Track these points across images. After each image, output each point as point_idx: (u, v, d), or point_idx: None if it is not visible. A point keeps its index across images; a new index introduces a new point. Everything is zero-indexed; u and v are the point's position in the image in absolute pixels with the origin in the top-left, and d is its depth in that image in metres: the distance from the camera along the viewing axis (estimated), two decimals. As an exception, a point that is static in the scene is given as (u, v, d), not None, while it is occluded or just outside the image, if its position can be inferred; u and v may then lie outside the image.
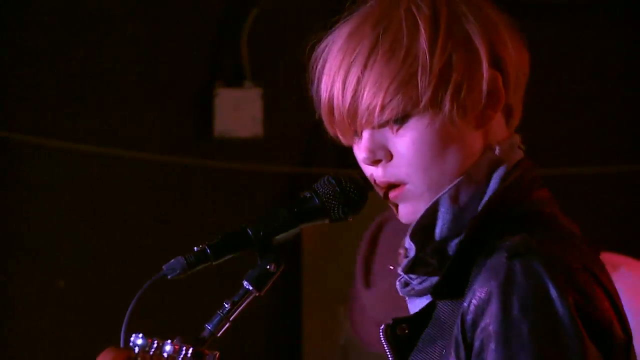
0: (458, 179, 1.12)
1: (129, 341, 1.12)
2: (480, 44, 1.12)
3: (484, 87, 1.12)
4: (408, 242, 1.15)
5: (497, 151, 1.14)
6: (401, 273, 1.19)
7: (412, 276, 1.17)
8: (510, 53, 1.16)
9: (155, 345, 1.11)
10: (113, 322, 1.18)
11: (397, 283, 1.20)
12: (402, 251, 1.18)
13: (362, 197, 1.20)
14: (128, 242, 3.34)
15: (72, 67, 3.35)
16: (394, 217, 1.22)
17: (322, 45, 1.18)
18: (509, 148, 1.16)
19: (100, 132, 3.37)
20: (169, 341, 1.10)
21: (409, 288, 1.18)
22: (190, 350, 1.10)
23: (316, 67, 1.19)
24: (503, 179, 1.13)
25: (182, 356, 1.09)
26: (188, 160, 3.44)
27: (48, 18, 3.34)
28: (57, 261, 3.28)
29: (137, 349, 1.12)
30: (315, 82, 1.19)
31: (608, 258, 1.71)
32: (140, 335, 1.12)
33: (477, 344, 1.03)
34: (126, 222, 3.39)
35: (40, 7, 3.33)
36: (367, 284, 2.39)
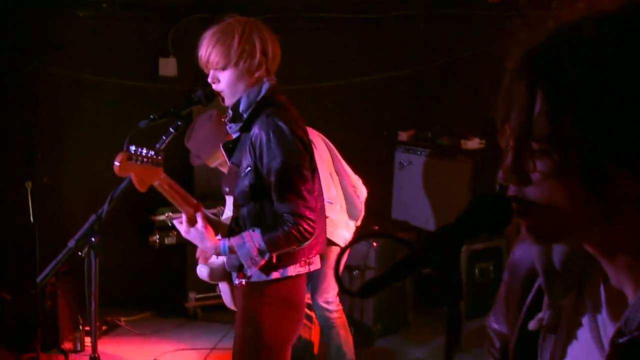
0: (249, 90, 3.14)
1: (128, 148, 2.96)
2: (258, 43, 3.13)
3: (257, 61, 3.13)
4: (229, 111, 3.21)
5: (265, 81, 3.17)
6: (227, 122, 3.27)
7: (232, 125, 3.25)
8: (270, 48, 3.17)
9: (140, 150, 2.96)
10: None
11: (227, 124, 3.28)
12: (227, 116, 3.25)
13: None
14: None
15: None
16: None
17: (203, 35, 3.17)
18: (267, 80, 3.18)
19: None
20: (145, 149, 2.97)
21: (232, 128, 3.26)
22: (151, 152, 2.98)
23: (199, 44, 3.17)
24: (266, 90, 3.16)
25: (149, 153, 2.96)
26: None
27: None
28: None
29: (132, 150, 2.95)
30: (198, 50, 3.17)
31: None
32: (133, 146, 2.96)
33: (257, 150, 3.06)
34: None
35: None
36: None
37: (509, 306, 1.45)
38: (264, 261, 3.02)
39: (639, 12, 1.06)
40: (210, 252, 3.11)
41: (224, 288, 3.35)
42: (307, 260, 3.23)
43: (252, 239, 3.00)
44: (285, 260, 3.14)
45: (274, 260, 3.08)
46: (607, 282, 1.21)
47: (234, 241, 3.04)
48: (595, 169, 1.07)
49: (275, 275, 3.15)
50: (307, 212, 3.02)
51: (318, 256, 3.32)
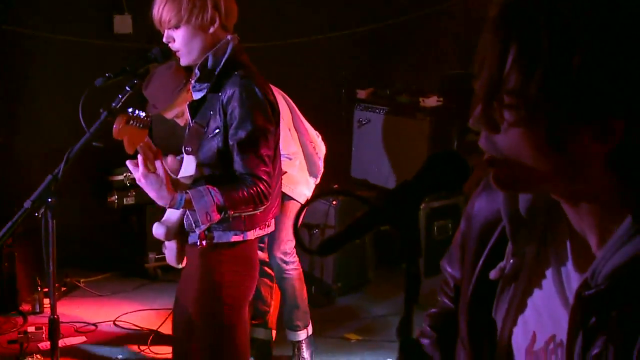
0: (214, 49, 3.15)
1: (126, 110, 2.97)
2: (210, 1, 3.09)
3: (209, 16, 3.09)
4: (196, 70, 3.16)
5: (229, 39, 3.17)
6: (194, 82, 3.23)
7: (197, 84, 3.21)
8: (222, 2, 3.13)
9: (136, 112, 2.96)
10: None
11: (192, 84, 3.27)
12: (193, 76, 3.21)
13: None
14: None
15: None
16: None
17: None
18: (231, 39, 3.18)
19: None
20: (138, 110, 2.98)
21: (197, 87, 3.22)
22: (142, 113, 2.97)
23: (153, 3, 3.11)
24: (231, 49, 3.15)
25: (142, 115, 2.96)
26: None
27: None
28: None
29: (130, 113, 2.94)
30: (152, 10, 3.11)
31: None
32: (130, 108, 2.97)
33: (229, 111, 3.07)
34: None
35: None
36: None
37: (464, 255, 1.47)
38: (218, 217, 3.02)
39: None
40: (164, 202, 3.07)
41: (170, 246, 3.35)
42: (267, 223, 3.29)
43: (211, 194, 2.99)
44: (249, 225, 3.18)
45: (243, 220, 3.14)
46: (573, 233, 1.23)
47: (192, 193, 3.01)
48: (558, 127, 1.09)
49: (236, 238, 3.18)
50: (265, 176, 3.06)
51: (274, 219, 3.36)
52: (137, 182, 3.04)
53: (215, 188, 3.01)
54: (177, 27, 3.09)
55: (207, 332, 3.29)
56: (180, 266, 3.39)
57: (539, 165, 1.13)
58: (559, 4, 1.05)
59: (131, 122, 2.92)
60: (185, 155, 3.26)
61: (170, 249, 3.35)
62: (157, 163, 2.99)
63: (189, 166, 3.23)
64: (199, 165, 3.18)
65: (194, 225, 3.07)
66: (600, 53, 1.03)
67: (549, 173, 1.13)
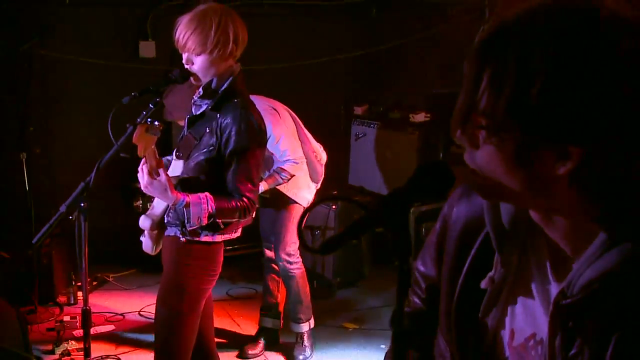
0: (218, 74, 3.15)
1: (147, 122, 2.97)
2: (232, 33, 3.11)
3: (229, 50, 3.12)
4: (200, 89, 3.22)
5: (234, 68, 3.20)
6: (196, 98, 3.26)
7: (198, 100, 3.24)
8: (240, 37, 3.16)
9: (154, 122, 2.96)
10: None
11: (194, 99, 3.28)
12: (197, 93, 3.26)
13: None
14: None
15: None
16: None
17: (180, 18, 3.12)
18: (235, 68, 3.22)
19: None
20: (153, 120, 2.97)
21: (198, 102, 3.26)
22: (157, 122, 2.97)
23: (175, 27, 3.11)
24: (235, 76, 3.19)
25: (156, 124, 2.97)
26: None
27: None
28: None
29: (149, 122, 2.96)
30: (174, 33, 3.11)
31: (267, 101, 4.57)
32: (150, 119, 2.97)
33: (225, 134, 3.11)
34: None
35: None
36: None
37: (441, 255, 1.46)
38: (206, 223, 3.09)
39: (569, 16, 1.05)
40: (169, 202, 3.11)
41: (150, 235, 3.40)
42: (236, 231, 3.33)
43: (207, 202, 3.07)
44: (223, 230, 3.23)
45: (221, 227, 3.19)
46: (550, 242, 1.22)
47: (192, 198, 3.07)
48: (524, 148, 1.08)
49: (206, 238, 3.22)
50: (252, 195, 3.16)
51: (241, 227, 3.39)
52: (143, 189, 3.09)
53: (212, 198, 3.09)
54: (198, 54, 3.11)
55: (165, 314, 3.30)
56: (154, 253, 3.46)
57: (510, 181, 1.12)
58: (526, 41, 1.04)
59: (148, 130, 2.95)
60: (174, 159, 3.30)
61: (149, 238, 3.39)
62: (160, 170, 3.03)
63: (176, 168, 3.29)
64: (185, 170, 3.24)
65: (185, 221, 3.10)
66: (555, 86, 1.02)
67: (520, 188, 1.12)
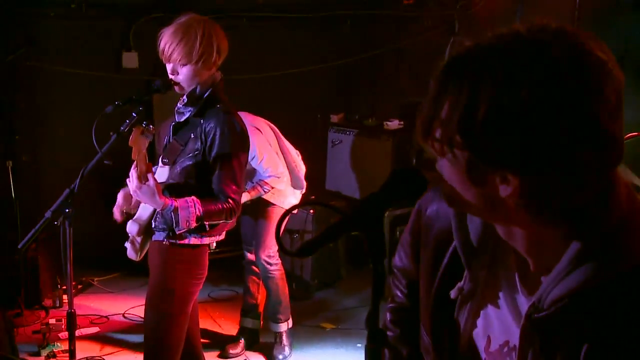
0: (201, 82, 3.12)
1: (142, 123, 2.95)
2: (215, 43, 3.10)
3: (213, 59, 3.12)
4: (184, 97, 3.18)
5: (216, 76, 3.20)
6: (180, 106, 3.22)
7: (182, 108, 3.20)
8: (222, 47, 3.15)
9: (148, 126, 2.94)
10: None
11: (177, 107, 3.23)
12: (180, 101, 3.21)
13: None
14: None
15: None
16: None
17: (164, 30, 3.10)
18: (217, 76, 3.21)
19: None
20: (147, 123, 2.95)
21: (181, 110, 3.22)
22: (151, 126, 2.95)
23: (159, 39, 3.10)
24: (216, 84, 3.19)
25: (150, 127, 2.95)
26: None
27: None
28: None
29: (144, 125, 2.93)
30: (159, 44, 3.10)
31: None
32: (145, 122, 2.96)
33: (209, 138, 3.10)
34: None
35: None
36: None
37: (417, 254, 1.46)
38: (194, 226, 3.07)
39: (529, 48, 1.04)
40: (157, 207, 3.08)
41: (136, 241, 3.36)
42: (221, 233, 3.30)
43: (195, 205, 3.05)
44: (209, 233, 3.21)
45: (207, 229, 3.17)
46: (517, 255, 1.22)
47: (180, 203, 3.05)
48: (474, 169, 1.08)
49: (195, 241, 3.21)
50: (236, 196, 3.15)
51: (225, 230, 3.36)
52: (132, 193, 3.06)
53: (199, 201, 3.07)
54: (184, 65, 3.11)
55: (154, 316, 3.29)
56: (138, 259, 3.41)
57: (467, 194, 1.13)
58: (481, 69, 1.04)
59: (143, 133, 2.93)
60: (160, 165, 3.29)
61: (133, 244, 3.36)
62: (149, 175, 3.01)
63: (162, 175, 3.26)
64: (172, 175, 3.22)
65: (174, 225, 3.07)
66: (496, 116, 1.02)
67: (476, 203, 1.13)
